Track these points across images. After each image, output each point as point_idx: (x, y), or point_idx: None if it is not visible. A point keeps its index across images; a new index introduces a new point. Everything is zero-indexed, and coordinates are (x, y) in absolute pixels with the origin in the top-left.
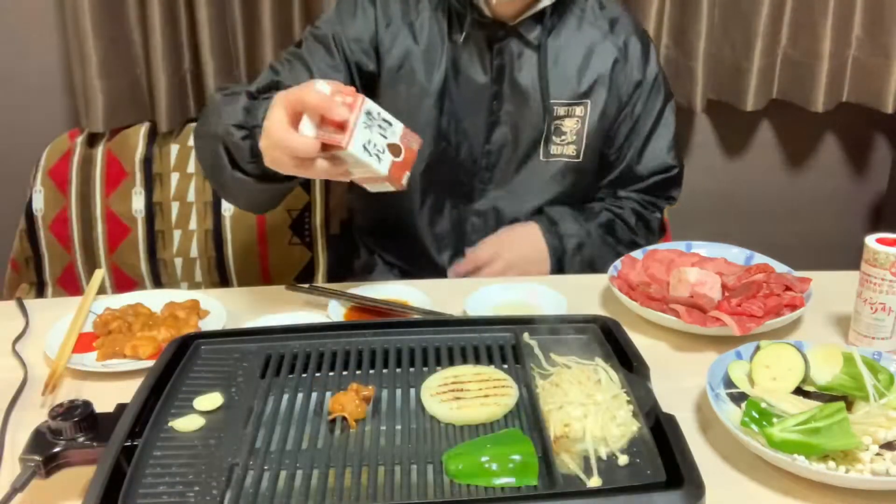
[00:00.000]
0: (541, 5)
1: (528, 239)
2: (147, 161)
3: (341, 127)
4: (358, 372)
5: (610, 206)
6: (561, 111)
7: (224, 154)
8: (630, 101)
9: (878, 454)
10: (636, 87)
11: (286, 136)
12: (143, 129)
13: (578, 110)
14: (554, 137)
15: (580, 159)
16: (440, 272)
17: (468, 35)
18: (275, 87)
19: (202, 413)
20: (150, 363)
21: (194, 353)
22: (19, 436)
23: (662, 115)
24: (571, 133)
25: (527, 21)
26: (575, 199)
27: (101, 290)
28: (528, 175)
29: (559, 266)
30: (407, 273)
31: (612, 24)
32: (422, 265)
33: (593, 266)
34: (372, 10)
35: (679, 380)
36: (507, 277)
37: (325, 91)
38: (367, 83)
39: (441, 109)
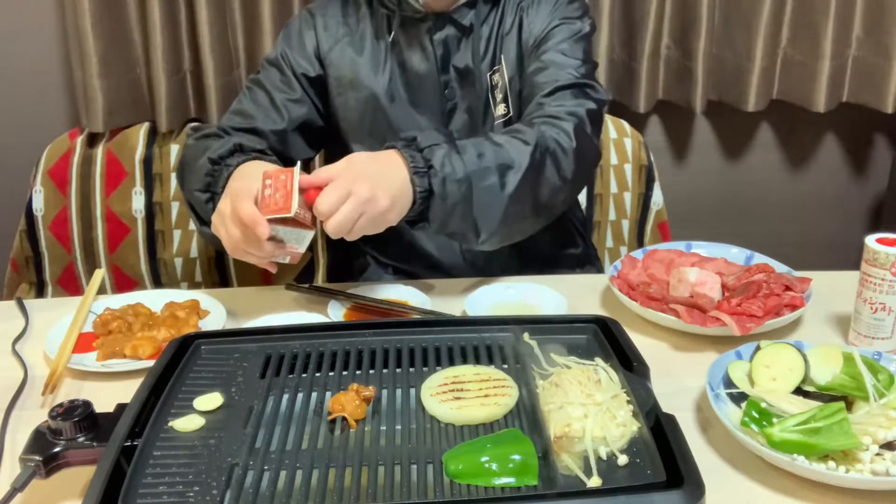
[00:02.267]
0: None
1: (370, 166)
2: (147, 161)
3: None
4: (358, 372)
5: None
6: (496, 78)
7: (191, 212)
8: (536, 42)
9: (878, 454)
10: (543, 28)
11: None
12: (143, 129)
13: (501, 71)
14: (497, 105)
15: (511, 112)
16: (431, 267)
17: (406, 32)
18: (251, 131)
19: (202, 413)
20: (150, 363)
21: (194, 353)
22: (19, 436)
23: (566, 38)
24: (500, 91)
25: (461, 8)
26: None
27: (101, 290)
28: None
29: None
30: (400, 271)
31: None
32: (415, 262)
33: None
34: (312, 30)
35: (679, 380)
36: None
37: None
38: (320, 91)
39: (395, 109)
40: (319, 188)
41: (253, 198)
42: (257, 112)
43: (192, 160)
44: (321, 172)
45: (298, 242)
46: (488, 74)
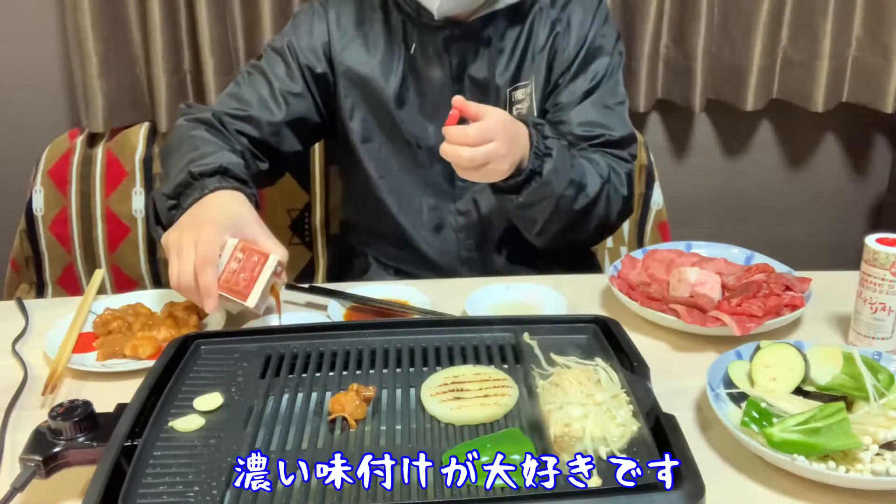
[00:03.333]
0: (496, 6)
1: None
2: (147, 161)
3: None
4: (358, 372)
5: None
6: (519, 95)
7: (152, 209)
8: (570, 67)
9: (878, 454)
10: (577, 51)
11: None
12: (143, 129)
13: (528, 89)
14: None
15: None
16: (434, 269)
17: (422, 39)
18: (245, 119)
19: (202, 413)
20: (150, 363)
21: (194, 353)
22: (19, 436)
23: (602, 78)
24: (526, 112)
25: (479, 19)
26: None
27: (101, 290)
28: None
29: (538, 170)
30: (402, 272)
31: (552, 1)
32: (415, 265)
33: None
34: (324, 23)
35: (679, 380)
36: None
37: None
38: (323, 88)
39: (404, 115)
40: (460, 115)
41: (216, 265)
42: (254, 100)
43: (175, 147)
44: (474, 106)
45: (240, 308)
46: (509, 90)
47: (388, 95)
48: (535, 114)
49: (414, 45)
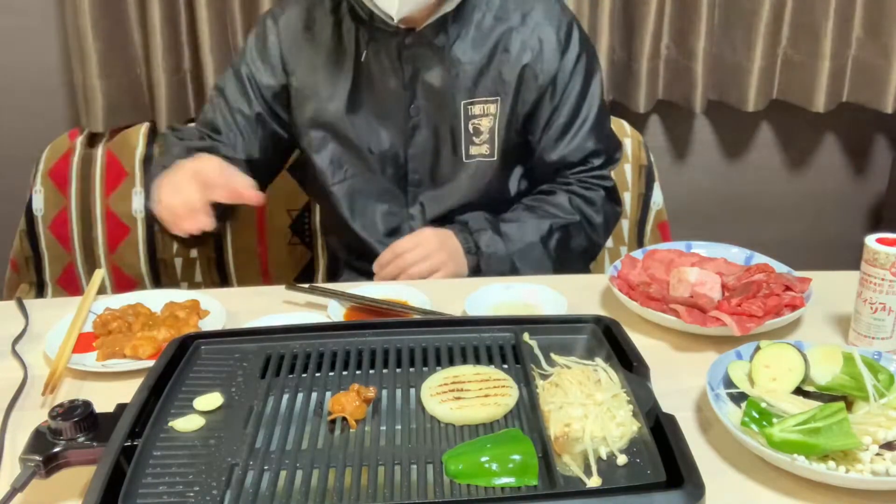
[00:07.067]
0: (442, 11)
1: (448, 242)
2: (147, 161)
3: None
4: (358, 372)
5: (548, 209)
6: (477, 110)
7: None
8: (546, 93)
9: (878, 454)
10: (552, 79)
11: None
12: (143, 129)
13: (492, 108)
14: (473, 138)
15: (494, 158)
16: None
17: (375, 45)
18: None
19: (202, 413)
20: (150, 363)
21: (194, 353)
22: (19, 436)
23: (583, 101)
24: (486, 132)
25: (433, 25)
26: (491, 197)
27: (101, 290)
28: (452, 175)
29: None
30: (366, 276)
31: (523, 18)
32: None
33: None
34: (275, 36)
35: (679, 380)
36: (445, 275)
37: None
38: (284, 102)
39: (356, 120)
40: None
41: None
42: (226, 131)
43: (170, 146)
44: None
45: None
46: (463, 102)
47: (339, 102)
48: (498, 135)
49: (365, 52)
